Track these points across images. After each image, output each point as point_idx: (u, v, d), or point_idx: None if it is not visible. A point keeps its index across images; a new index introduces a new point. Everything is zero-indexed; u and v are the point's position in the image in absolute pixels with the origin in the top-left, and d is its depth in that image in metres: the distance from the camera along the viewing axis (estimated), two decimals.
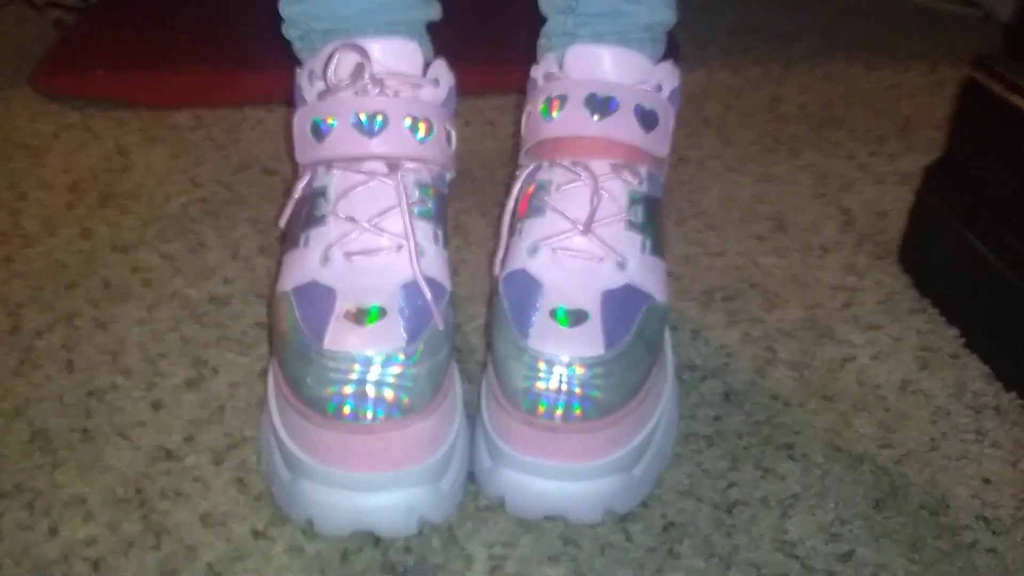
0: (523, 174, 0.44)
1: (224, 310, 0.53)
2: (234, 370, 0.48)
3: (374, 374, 0.35)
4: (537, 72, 0.46)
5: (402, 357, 0.35)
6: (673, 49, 0.51)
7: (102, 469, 0.42)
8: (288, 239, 0.42)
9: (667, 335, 0.44)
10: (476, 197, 0.64)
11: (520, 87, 0.81)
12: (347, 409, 0.34)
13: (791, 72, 0.88)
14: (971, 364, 0.49)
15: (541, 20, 0.48)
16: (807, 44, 0.96)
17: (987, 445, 0.44)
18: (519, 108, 0.80)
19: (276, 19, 0.47)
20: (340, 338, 0.35)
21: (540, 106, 0.43)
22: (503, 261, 0.43)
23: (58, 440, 0.44)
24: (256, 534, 0.39)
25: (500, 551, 0.38)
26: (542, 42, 0.49)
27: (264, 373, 0.48)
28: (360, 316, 0.36)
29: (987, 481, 0.42)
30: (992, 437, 0.44)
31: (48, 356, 0.49)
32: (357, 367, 0.35)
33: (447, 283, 0.40)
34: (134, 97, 0.80)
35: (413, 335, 0.36)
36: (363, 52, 0.40)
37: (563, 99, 0.42)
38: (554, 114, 0.43)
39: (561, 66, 0.44)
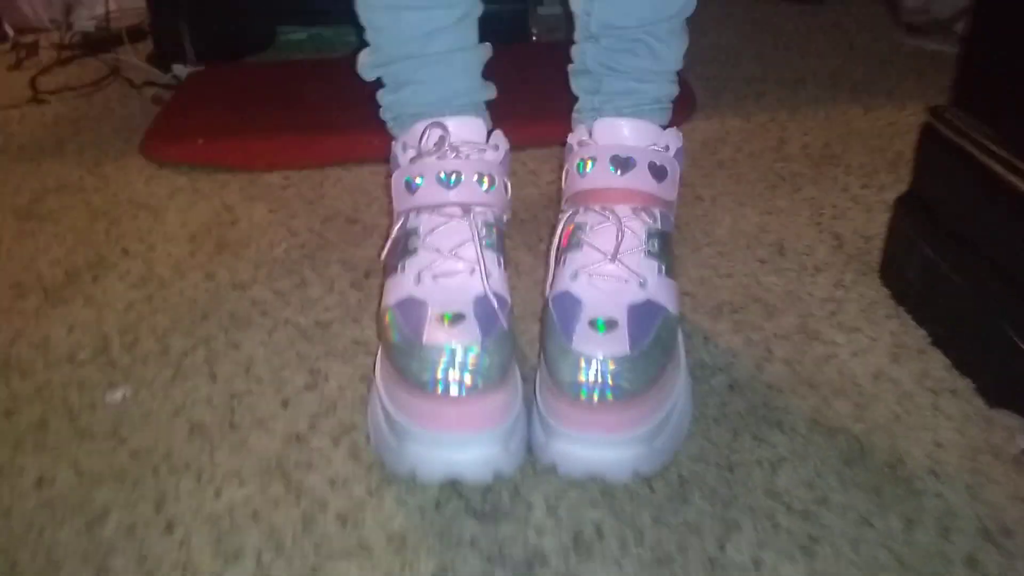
0: (563, 217, 0.57)
1: (327, 331, 0.66)
2: (341, 376, 0.61)
3: (459, 360, 0.47)
4: (572, 139, 0.59)
5: (478, 348, 0.48)
6: (692, 101, 0.64)
7: (249, 450, 0.55)
8: (388, 267, 0.55)
9: (680, 338, 0.56)
10: (522, 235, 0.77)
11: (556, 141, 0.95)
12: (440, 387, 0.47)
13: (796, 116, 1.00)
14: (935, 358, 0.60)
15: (573, 97, 0.62)
16: (813, 89, 1.08)
17: (942, 418, 0.55)
18: (556, 160, 0.93)
19: (372, 104, 0.61)
20: (434, 335, 0.48)
21: (576, 165, 0.56)
22: (551, 285, 0.55)
23: (212, 431, 0.57)
24: (370, 492, 0.51)
25: (554, 500, 0.50)
26: (575, 115, 0.62)
27: (363, 379, 0.61)
28: (446, 319, 0.49)
29: (939, 445, 0.53)
30: (946, 412, 0.55)
31: (194, 370, 0.63)
32: (446, 355, 0.47)
33: (508, 296, 0.53)
34: (231, 162, 0.95)
35: (485, 333, 0.49)
36: (444, 128, 0.53)
37: (593, 160, 0.55)
38: (587, 171, 0.55)
39: (591, 134, 0.57)
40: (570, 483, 0.51)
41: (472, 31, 0.59)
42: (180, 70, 1.22)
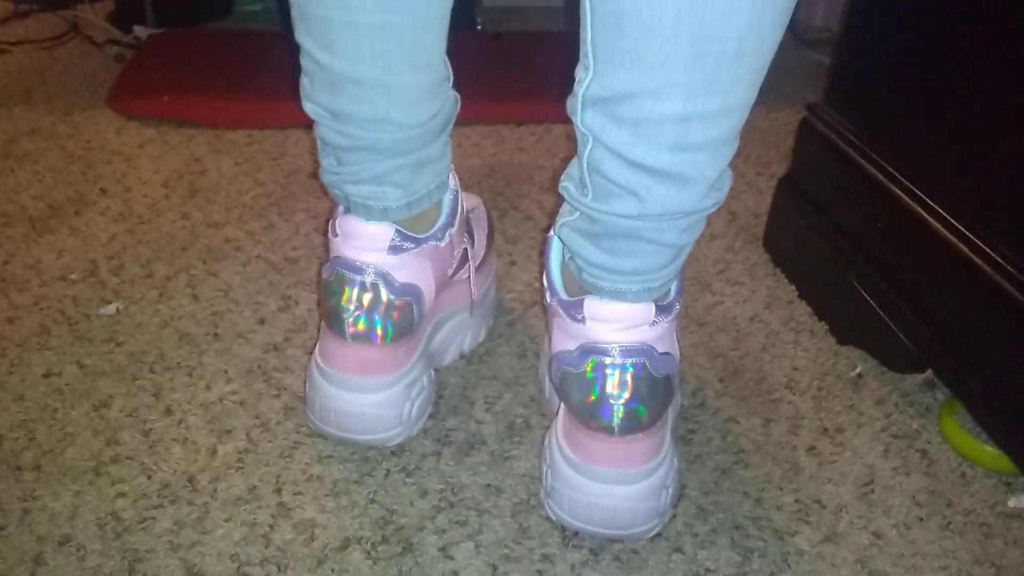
0: None
1: (296, 266, 0.76)
2: (310, 302, 0.71)
3: None
4: None
5: None
6: None
7: (233, 355, 0.65)
8: None
9: None
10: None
11: (497, 119, 1.06)
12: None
13: None
14: (800, 307, 0.74)
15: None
16: None
17: (800, 351, 0.69)
18: (497, 135, 1.03)
19: None
20: None
21: None
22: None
23: (199, 340, 0.66)
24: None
25: (492, 400, 0.61)
26: None
27: None
28: None
29: (796, 369, 0.67)
30: (804, 346, 0.69)
31: (177, 292, 0.72)
32: None
33: None
34: (197, 118, 1.03)
35: None
36: None
37: None
38: None
39: None
40: (505, 385, 0.63)
41: None
42: (141, 31, 1.28)
